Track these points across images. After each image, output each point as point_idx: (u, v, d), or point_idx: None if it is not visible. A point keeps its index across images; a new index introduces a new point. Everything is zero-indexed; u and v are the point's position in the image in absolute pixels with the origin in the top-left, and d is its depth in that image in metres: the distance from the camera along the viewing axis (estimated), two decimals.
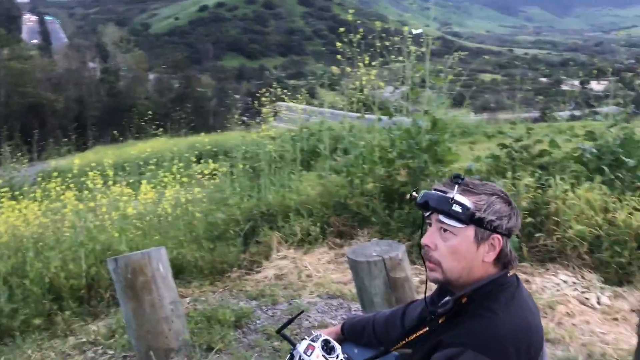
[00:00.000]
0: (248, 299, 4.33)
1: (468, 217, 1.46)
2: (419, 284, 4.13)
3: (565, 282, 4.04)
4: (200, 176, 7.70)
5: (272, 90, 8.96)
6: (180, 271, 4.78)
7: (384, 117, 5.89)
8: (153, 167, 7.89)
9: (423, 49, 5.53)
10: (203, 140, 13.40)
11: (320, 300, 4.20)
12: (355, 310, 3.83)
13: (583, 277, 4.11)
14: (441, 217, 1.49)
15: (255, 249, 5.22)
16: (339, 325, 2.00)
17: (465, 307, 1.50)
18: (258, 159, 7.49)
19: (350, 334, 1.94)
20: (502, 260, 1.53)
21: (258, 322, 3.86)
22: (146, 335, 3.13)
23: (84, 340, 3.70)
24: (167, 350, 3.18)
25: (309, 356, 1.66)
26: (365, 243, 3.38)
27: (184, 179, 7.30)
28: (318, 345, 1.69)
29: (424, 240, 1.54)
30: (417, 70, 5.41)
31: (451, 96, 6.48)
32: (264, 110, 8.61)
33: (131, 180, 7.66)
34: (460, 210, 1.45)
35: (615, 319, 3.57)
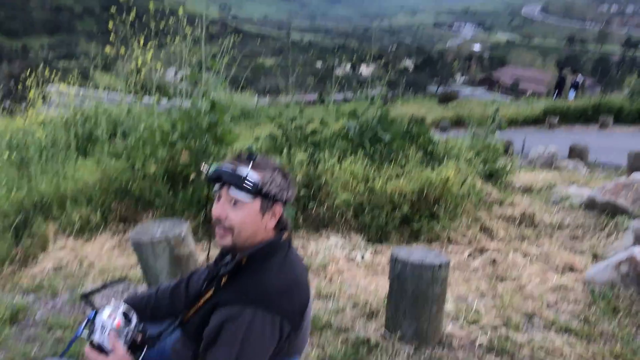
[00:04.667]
0: (24, 293, 4.07)
1: (257, 191, 1.66)
2: (205, 260, 4.30)
3: (335, 244, 4.54)
4: None
5: (38, 72, 8.18)
6: None
7: (163, 99, 5.85)
8: None
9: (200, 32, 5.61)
10: None
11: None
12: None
13: (350, 239, 4.67)
14: (232, 191, 1.66)
15: (29, 241, 4.86)
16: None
17: (245, 267, 1.70)
18: (26, 147, 6.89)
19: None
20: (280, 226, 1.78)
21: (37, 315, 3.67)
22: None
23: None
24: None
25: (111, 323, 1.69)
26: (148, 223, 3.39)
27: None
28: (119, 313, 1.73)
29: (216, 211, 1.69)
30: (194, 53, 5.48)
31: (230, 79, 6.68)
32: (31, 94, 7.86)
33: None
34: (251, 185, 1.65)
35: (376, 272, 4.15)
